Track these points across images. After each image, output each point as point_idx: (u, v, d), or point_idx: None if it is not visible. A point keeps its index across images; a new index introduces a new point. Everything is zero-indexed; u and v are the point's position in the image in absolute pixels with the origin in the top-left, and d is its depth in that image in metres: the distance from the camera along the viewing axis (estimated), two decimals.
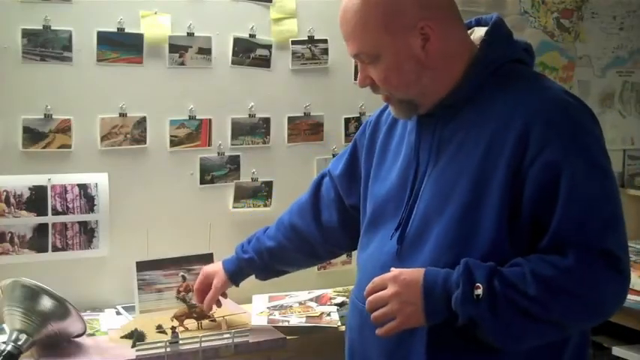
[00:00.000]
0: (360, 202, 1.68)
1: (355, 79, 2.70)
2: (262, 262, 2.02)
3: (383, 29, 1.41)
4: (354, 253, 2.70)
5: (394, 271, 1.40)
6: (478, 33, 1.50)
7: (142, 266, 2.27)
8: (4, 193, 2.22)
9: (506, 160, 1.35)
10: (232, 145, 2.53)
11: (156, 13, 2.37)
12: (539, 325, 1.32)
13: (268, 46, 2.55)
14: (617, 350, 2.60)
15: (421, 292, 1.35)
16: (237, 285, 2.11)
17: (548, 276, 1.30)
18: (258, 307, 2.39)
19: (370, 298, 1.41)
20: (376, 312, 1.40)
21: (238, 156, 2.54)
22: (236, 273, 2.07)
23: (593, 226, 1.33)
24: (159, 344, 1.99)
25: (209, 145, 2.50)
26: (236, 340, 2.06)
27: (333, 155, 2.68)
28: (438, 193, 1.43)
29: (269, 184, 2.60)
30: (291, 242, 1.97)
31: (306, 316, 2.29)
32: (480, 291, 1.30)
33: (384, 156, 1.62)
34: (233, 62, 2.50)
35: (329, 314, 2.31)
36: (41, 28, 2.23)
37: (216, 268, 2.10)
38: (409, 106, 1.49)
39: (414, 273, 1.37)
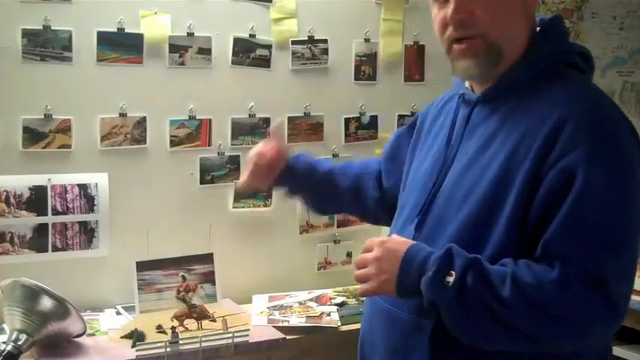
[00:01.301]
0: (400, 191, 1.63)
1: (355, 79, 2.70)
2: (319, 176, 1.80)
3: None
4: (354, 253, 2.72)
5: (383, 237, 1.39)
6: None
7: (142, 266, 2.27)
8: (4, 193, 2.22)
9: (530, 161, 1.29)
10: (232, 145, 2.53)
11: (156, 13, 2.37)
12: (506, 330, 1.25)
13: (268, 46, 2.55)
14: (617, 350, 2.60)
15: (399, 264, 1.32)
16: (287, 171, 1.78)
17: (526, 283, 1.23)
18: (258, 307, 2.39)
19: (358, 257, 1.40)
20: (357, 271, 1.39)
21: (238, 156, 2.54)
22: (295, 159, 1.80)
23: (590, 244, 1.24)
24: (159, 344, 1.99)
25: (209, 145, 2.50)
26: (236, 340, 2.06)
27: (333, 155, 2.68)
28: (459, 188, 1.38)
29: None
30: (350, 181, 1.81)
31: (306, 316, 2.29)
32: (451, 278, 1.26)
33: (424, 145, 1.58)
34: (233, 62, 2.50)
35: (329, 314, 2.31)
36: (41, 28, 2.23)
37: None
38: (493, 57, 1.37)
39: (400, 243, 1.35)
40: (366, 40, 2.70)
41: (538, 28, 1.43)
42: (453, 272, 1.26)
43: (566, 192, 1.24)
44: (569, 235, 1.24)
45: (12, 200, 2.23)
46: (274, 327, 2.22)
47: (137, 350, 1.98)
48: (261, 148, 1.77)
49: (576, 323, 1.25)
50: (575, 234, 1.24)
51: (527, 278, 1.24)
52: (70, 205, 2.30)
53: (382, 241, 1.37)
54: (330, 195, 1.81)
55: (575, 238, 1.24)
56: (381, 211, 1.77)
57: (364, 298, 2.46)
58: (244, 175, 1.79)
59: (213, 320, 2.19)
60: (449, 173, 1.42)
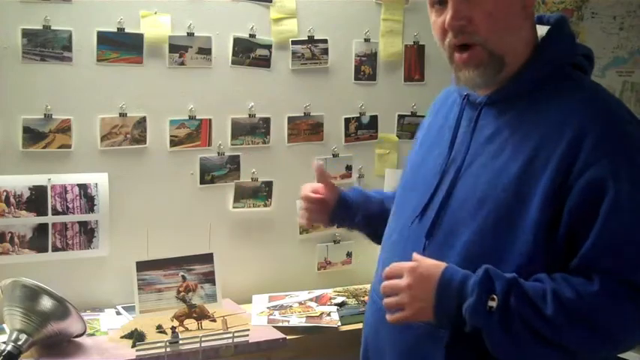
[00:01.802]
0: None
1: (355, 79, 2.71)
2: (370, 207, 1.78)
3: None
4: (354, 253, 2.72)
5: (413, 262, 1.33)
6: (540, 31, 1.43)
7: (142, 266, 2.27)
8: (4, 193, 2.22)
9: (552, 170, 1.27)
10: (232, 145, 2.53)
11: (156, 13, 2.37)
12: (547, 348, 1.26)
13: (268, 46, 2.55)
14: None
15: (434, 291, 1.29)
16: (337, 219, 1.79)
17: (568, 299, 1.23)
18: (258, 307, 2.39)
19: (385, 283, 1.35)
20: (388, 299, 1.35)
21: (238, 156, 2.54)
22: (346, 196, 1.77)
23: (628, 255, 1.25)
24: (159, 344, 1.99)
25: (209, 145, 2.50)
26: (236, 340, 2.06)
27: (333, 155, 2.69)
28: (473, 194, 1.35)
29: (269, 184, 2.60)
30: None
31: (306, 316, 2.29)
32: (494, 303, 1.24)
33: (424, 143, 1.56)
34: (233, 62, 2.50)
35: (329, 314, 2.31)
36: (41, 28, 2.23)
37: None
38: (495, 65, 1.36)
39: (432, 268, 1.31)
40: (366, 40, 2.70)
41: (544, 29, 1.41)
42: (495, 296, 1.24)
43: (598, 205, 1.24)
44: (606, 249, 1.24)
45: (12, 200, 2.23)
46: (274, 327, 2.22)
47: (137, 350, 1.98)
48: (311, 187, 1.76)
49: (618, 333, 1.26)
50: (611, 248, 1.24)
51: (567, 293, 1.24)
52: (70, 205, 2.30)
53: (413, 268, 1.32)
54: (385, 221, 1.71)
55: (613, 252, 1.24)
56: None
57: (364, 298, 2.47)
58: (301, 217, 1.79)
59: (213, 320, 2.19)
60: (460, 177, 1.39)
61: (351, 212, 1.76)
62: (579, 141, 1.27)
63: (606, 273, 1.24)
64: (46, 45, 2.24)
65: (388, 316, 1.35)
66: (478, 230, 1.33)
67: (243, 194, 2.56)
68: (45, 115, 2.26)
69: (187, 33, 2.42)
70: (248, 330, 2.10)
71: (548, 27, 1.42)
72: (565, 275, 1.27)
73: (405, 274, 1.32)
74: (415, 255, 1.35)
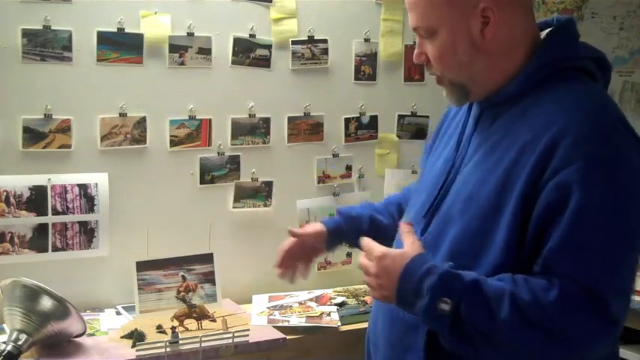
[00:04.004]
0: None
1: (355, 79, 2.71)
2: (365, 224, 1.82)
3: (445, 4, 1.37)
4: (354, 253, 2.72)
5: (382, 251, 1.36)
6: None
7: (142, 266, 2.27)
8: (4, 193, 2.22)
9: (527, 173, 1.28)
10: (232, 145, 2.53)
11: (156, 13, 2.37)
12: (496, 348, 1.27)
13: (268, 46, 2.55)
14: None
15: (396, 284, 1.32)
16: (329, 246, 1.85)
17: (525, 302, 1.23)
18: (258, 307, 2.39)
19: (361, 261, 1.40)
20: (363, 278, 1.40)
21: (238, 156, 2.54)
22: (335, 228, 1.82)
23: (590, 263, 1.23)
24: (159, 344, 1.99)
25: (209, 145, 2.50)
26: (236, 340, 2.06)
27: (333, 155, 2.69)
28: (464, 192, 1.39)
29: (269, 184, 2.60)
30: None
31: (306, 316, 2.29)
32: (446, 307, 1.26)
33: (439, 145, 1.59)
34: (233, 62, 2.50)
35: (329, 314, 2.31)
36: (41, 28, 2.23)
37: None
38: (460, 91, 1.43)
39: (396, 262, 1.33)
40: (366, 40, 2.70)
41: (547, 32, 1.42)
42: (448, 300, 1.26)
43: (563, 208, 1.23)
44: (568, 254, 1.23)
45: (12, 200, 2.23)
46: (274, 327, 2.22)
47: (137, 350, 1.98)
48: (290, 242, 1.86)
49: (574, 342, 1.24)
50: (574, 253, 1.23)
51: (525, 296, 1.24)
52: (70, 205, 2.30)
53: (379, 258, 1.36)
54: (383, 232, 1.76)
55: (574, 257, 1.23)
56: None
57: (364, 298, 2.47)
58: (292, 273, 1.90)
59: (213, 320, 2.19)
60: (456, 178, 1.43)
61: (343, 239, 1.83)
62: (556, 144, 1.26)
63: (566, 279, 1.23)
64: (46, 45, 2.24)
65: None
66: (463, 229, 1.36)
67: (243, 194, 2.56)
68: (45, 115, 2.26)
69: (187, 33, 2.42)
70: (248, 330, 2.10)
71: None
72: (528, 278, 1.26)
73: (374, 260, 1.36)
74: (391, 247, 1.41)
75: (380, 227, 1.79)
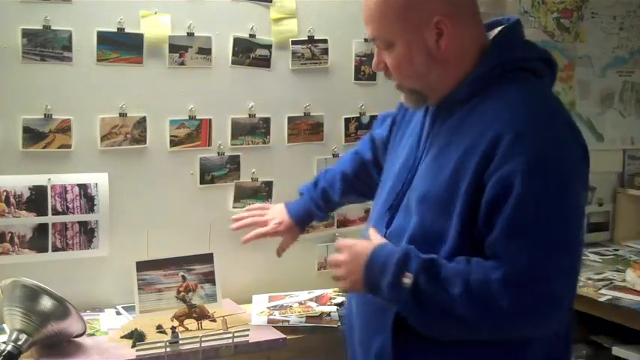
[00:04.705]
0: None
1: (355, 79, 2.71)
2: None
3: (400, 19, 1.45)
4: None
5: (351, 241, 1.55)
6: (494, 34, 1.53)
7: (142, 266, 2.27)
8: (4, 193, 2.22)
9: (474, 167, 1.39)
10: (232, 145, 2.53)
11: (156, 13, 2.37)
12: (455, 322, 1.38)
13: (268, 46, 2.55)
14: (617, 350, 2.60)
15: (363, 267, 1.47)
16: (302, 227, 2.14)
17: (475, 280, 1.35)
18: (258, 307, 2.39)
19: (330, 256, 1.58)
20: (334, 272, 1.56)
21: (238, 156, 2.54)
22: (301, 212, 2.10)
23: (529, 246, 1.34)
24: (159, 344, 1.99)
25: (209, 145, 2.50)
26: (236, 340, 2.06)
27: (333, 155, 2.69)
28: (420, 187, 1.50)
29: (269, 184, 2.60)
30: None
31: (306, 316, 2.29)
32: (408, 280, 1.39)
33: (401, 139, 1.69)
34: (233, 62, 2.50)
35: (329, 314, 2.31)
36: (41, 28, 2.23)
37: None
38: (418, 97, 1.54)
39: (365, 247, 1.49)
40: (366, 40, 2.70)
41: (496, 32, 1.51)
42: (409, 274, 1.39)
43: (506, 198, 1.35)
44: (510, 238, 1.35)
45: (12, 200, 2.23)
46: (274, 327, 2.22)
47: (137, 350, 1.98)
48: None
49: (517, 318, 1.37)
50: (515, 237, 1.35)
51: (476, 275, 1.36)
52: (70, 205, 2.30)
53: (349, 246, 1.52)
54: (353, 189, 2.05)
55: (515, 241, 1.35)
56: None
57: None
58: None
59: (213, 320, 2.19)
60: (415, 174, 1.54)
61: (313, 217, 2.12)
62: (498, 140, 1.37)
63: (509, 261, 1.34)
64: (46, 45, 2.24)
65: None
66: (420, 222, 1.47)
67: (243, 194, 2.56)
68: (45, 115, 2.26)
69: (187, 33, 2.42)
70: (248, 330, 2.10)
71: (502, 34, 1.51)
72: (480, 260, 1.38)
73: (344, 250, 1.53)
74: (371, 232, 1.55)
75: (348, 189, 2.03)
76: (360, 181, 2.02)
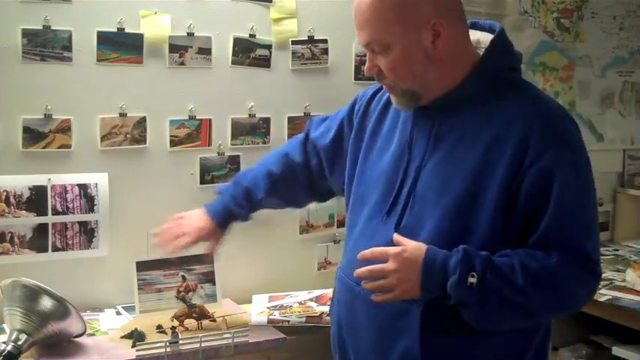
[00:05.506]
0: (346, 180, 1.77)
1: (355, 79, 2.71)
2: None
3: (397, 22, 1.48)
4: None
5: (398, 247, 1.48)
6: (474, 36, 1.59)
7: (142, 266, 2.27)
8: (4, 193, 2.22)
9: (507, 161, 1.46)
10: (232, 145, 2.53)
11: (156, 13, 2.37)
12: (517, 311, 1.46)
13: (268, 46, 2.55)
14: (617, 350, 2.61)
15: (420, 271, 1.45)
16: (222, 228, 2.07)
17: (534, 269, 1.44)
18: (258, 307, 2.39)
19: (369, 267, 1.50)
20: (374, 283, 1.50)
21: (238, 156, 2.54)
22: (220, 212, 2.05)
23: (576, 231, 1.48)
24: (159, 344, 1.99)
25: (209, 145, 2.50)
26: (236, 340, 2.06)
27: None
28: (434, 186, 1.52)
29: None
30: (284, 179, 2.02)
31: (306, 316, 2.29)
32: (473, 279, 1.42)
33: (374, 141, 1.70)
34: (233, 62, 2.50)
35: (329, 314, 2.31)
36: (41, 28, 2.23)
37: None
38: (411, 98, 1.56)
39: (416, 252, 1.47)
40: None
41: (484, 35, 1.58)
42: (475, 274, 1.42)
43: (549, 190, 1.45)
44: (560, 227, 1.46)
45: (12, 200, 2.23)
46: (274, 327, 2.22)
47: (137, 350, 1.98)
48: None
49: (575, 296, 1.51)
50: (565, 224, 1.46)
51: (533, 264, 1.44)
52: (70, 205, 2.30)
53: (398, 253, 1.47)
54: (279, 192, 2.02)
55: (565, 230, 1.46)
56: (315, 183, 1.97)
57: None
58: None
59: (213, 320, 2.19)
60: (421, 174, 1.54)
61: (234, 216, 2.07)
62: (527, 137, 1.46)
63: (562, 247, 1.45)
64: (46, 45, 2.24)
65: (374, 297, 1.51)
66: (442, 215, 1.49)
67: None
68: (45, 115, 2.26)
69: (187, 33, 2.42)
70: (248, 330, 2.11)
71: (492, 36, 1.57)
72: (527, 250, 1.46)
73: (391, 259, 1.48)
74: (398, 238, 1.50)
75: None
76: (285, 184, 1.99)
